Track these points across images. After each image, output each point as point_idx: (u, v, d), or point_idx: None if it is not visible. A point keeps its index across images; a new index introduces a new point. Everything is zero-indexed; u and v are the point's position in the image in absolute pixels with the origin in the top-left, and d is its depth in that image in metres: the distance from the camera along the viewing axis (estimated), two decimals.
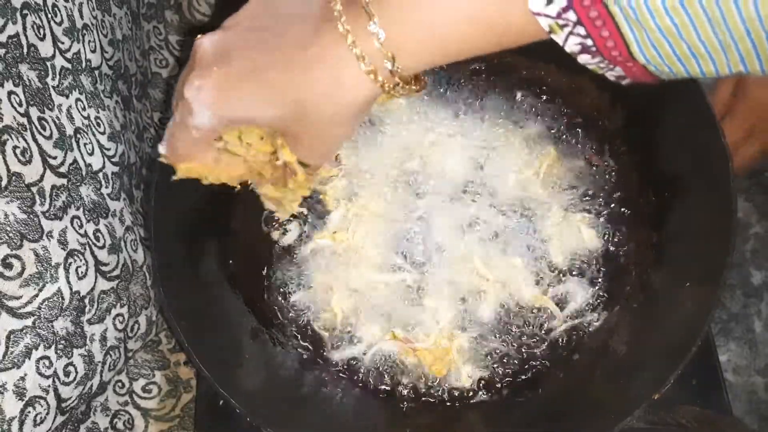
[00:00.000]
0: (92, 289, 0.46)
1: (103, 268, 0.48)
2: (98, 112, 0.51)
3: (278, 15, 0.39)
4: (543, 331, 0.56)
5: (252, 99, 0.38)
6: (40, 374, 0.40)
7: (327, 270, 0.58)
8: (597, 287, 0.57)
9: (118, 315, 0.49)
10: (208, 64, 0.38)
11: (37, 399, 0.40)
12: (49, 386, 0.41)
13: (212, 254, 0.56)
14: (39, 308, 0.41)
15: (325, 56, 0.36)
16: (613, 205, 0.60)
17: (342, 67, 0.36)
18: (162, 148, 0.43)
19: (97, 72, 0.52)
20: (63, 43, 0.46)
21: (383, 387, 0.55)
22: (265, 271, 0.59)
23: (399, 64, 0.35)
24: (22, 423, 0.39)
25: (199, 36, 0.39)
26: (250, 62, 0.37)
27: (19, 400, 0.39)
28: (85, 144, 0.47)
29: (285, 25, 0.38)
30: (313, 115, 0.37)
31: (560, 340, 0.55)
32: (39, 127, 0.42)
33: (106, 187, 0.50)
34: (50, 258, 0.41)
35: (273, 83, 0.37)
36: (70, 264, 0.43)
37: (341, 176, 0.61)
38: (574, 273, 0.58)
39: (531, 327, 0.56)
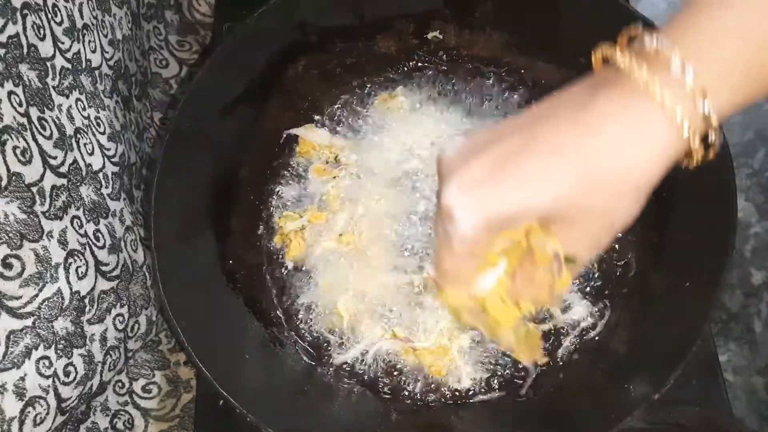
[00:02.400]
0: (92, 289, 0.46)
1: (103, 268, 0.48)
2: (98, 112, 0.51)
3: (527, 113, 0.34)
4: (543, 332, 0.56)
5: (520, 184, 0.32)
6: (40, 374, 0.40)
7: (332, 272, 0.58)
8: (597, 287, 0.57)
9: (118, 315, 0.49)
10: (462, 164, 0.33)
11: (37, 399, 0.40)
12: (49, 386, 0.41)
13: (212, 254, 0.56)
14: (39, 308, 0.41)
15: (616, 112, 0.30)
16: None
17: (639, 121, 0.30)
18: (430, 269, 0.38)
19: (97, 72, 0.52)
20: (63, 43, 0.46)
21: (383, 387, 0.55)
22: (265, 271, 0.59)
23: (713, 104, 0.29)
24: (22, 423, 0.39)
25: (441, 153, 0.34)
26: (512, 144, 0.32)
27: (19, 400, 0.39)
28: (85, 144, 0.47)
29: (542, 110, 0.33)
30: (600, 189, 0.31)
31: (560, 340, 0.55)
32: (39, 127, 0.42)
33: (106, 187, 0.50)
34: (50, 258, 0.41)
35: (549, 153, 0.31)
36: (70, 264, 0.43)
37: (343, 177, 0.61)
38: None
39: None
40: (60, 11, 0.46)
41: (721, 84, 0.30)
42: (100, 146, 0.50)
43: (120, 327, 0.50)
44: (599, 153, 0.31)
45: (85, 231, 0.46)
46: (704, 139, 0.31)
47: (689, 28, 0.30)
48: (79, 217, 0.45)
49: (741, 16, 0.29)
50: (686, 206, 0.54)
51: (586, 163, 0.31)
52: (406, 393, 0.54)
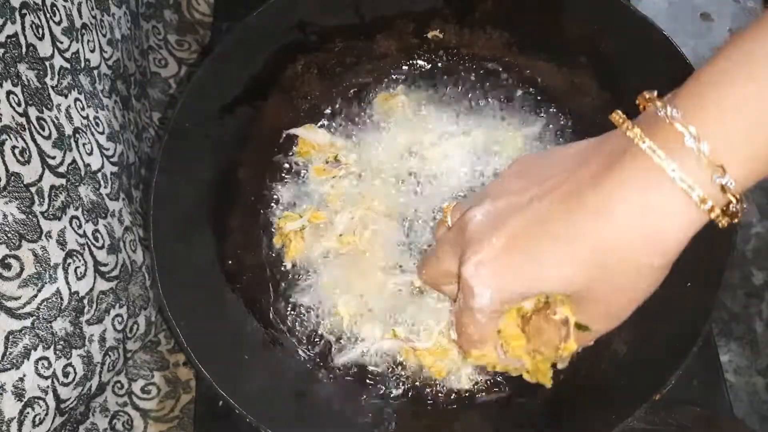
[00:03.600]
0: (91, 289, 0.46)
1: (102, 269, 0.47)
2: (97, 112, 0.51)
3: (550, 167, 0.34)
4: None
5: (533, 268, 0.33)
6: (39, 375, 0.40)
7: (332, 272, 0.58)
8: None
9: (117, 315, 0.49)
10: (481, 238, 0.34)
11: (36, 400, 0.40)
12: (48, 387, 0.41)
13: (212, 254, 0.56)
14: (38, 309, 0.40)
15: (627, 191, 0.30)
16: None
17: (655, 197, 0.29)
18: (453, 334, 0.40)
19: (96, 72, 0.51)
20: (62, 42, 0.46)
21: (383, 387, 0.55)
22: (265, 272, 0.59)
23: (732, 177, 0.29)
24: (21, 424, 0.39)
25: (468, 210, 0.35)
26: (528, 221, 0.33)
27: (18, 400, 0.39)
28: (84, 144, 0.47)
29: (562, 173, 0.33)
30: (616, 272, 0.32)
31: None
32: (38, 127, 0.41)
33: (105, 187, 0.50)
34: (49, 258, 0.41)
35: (562, 239, 0.32)
36: (69, 264, 0.43)
37: (343, 177, 0.61)
38: None
39: None
40: (59, 11, 0.45)
41: (739, 156, 0.29)
42: (99, 146, 0.50)
43: (119, 327, 0.50)
44: (614, 237, 0.31)
45: (84, 231, 0.46)
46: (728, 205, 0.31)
47: (704, 100, 0.29)
48: (77, 218, 0.45)
49: (759, 90, 0.28)
50: None
51: (600, 249, 0.31)
52: (406, 393, 0.54)
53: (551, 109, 0.63)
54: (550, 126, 0.63)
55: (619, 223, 0.30)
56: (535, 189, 0.34)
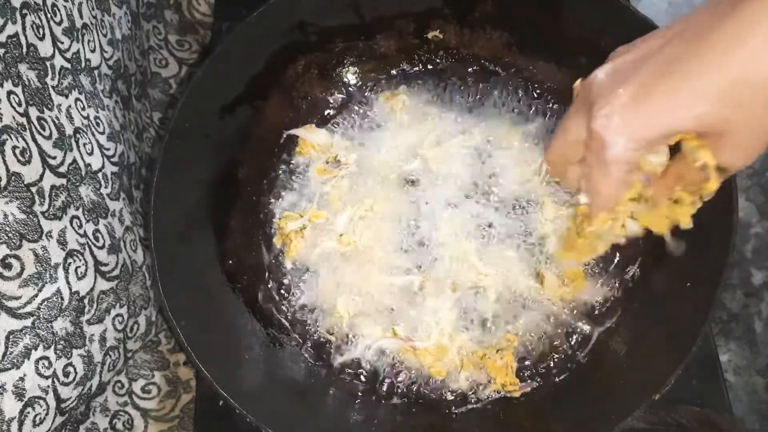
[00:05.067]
0: (91, 289, 0.46)
1: (103, 269, 0.47)
2: (98, 112, 0.51)
3: (665, 30, 0.35)
4: (543, 333, 0.56)
5: (670, 103, 0.33)
6: (40, 375, 0.40)
7: (332, 273, 0.58)
8: (597, 287, 0.57)
9: (117, 315, 0.49)
10: (608, 92, 0.35)
11: (36, 399, 0.40)
12: (48, 387, 0.41)
13: (212, 254, 0.56)
14: (38, 308, 0.41)
15: (758, 20, 0.30)
16: None
17: None
18: (583, 198, 0.40)
19: (96, 72, 0.51)
20: (62, 42, 0.46)
21: (383, 387, 0.55)
22: (265, 272, 0.59)
23: None
24: (21, 423, 0.39)
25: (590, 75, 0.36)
26: (655, 67, 0.33)
27: (19, 400, 0.39)
28: (84, 144, 0.47)
29: (682, 24, 0.34)
30: (752, 99, 0.32)
31: (560, 340, 0.55)
32: (38, 127, 0.41)
33: (106, 187, 0.50)
34: (49, 258, 0.41)
35: (694, 76, 0.32)
36: (69, 264, 0.43)
37: (343, 177, 0.61)
38: None
39: (531, 328, 0.56)
40: (59, 11, 0.46)
41: None
42: (100, 146, 0.50)
43: (119, 327, 0.50)
44: (748, 69, 0.31)
45: (85, 231, 0.46)
46: None
47: None
48: (78, 217, 0.45)
49: None
50: None
51: (734, 82, 0.31)
52: (406, 393, 0.54)
53: (551, 109, 0.63)
54: (551, 126, 0.63)
55: (752, 48, 0.30)
56: (658, 41, 0.35)
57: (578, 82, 0.40)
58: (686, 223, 0.42)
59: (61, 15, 0.46)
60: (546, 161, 0.43)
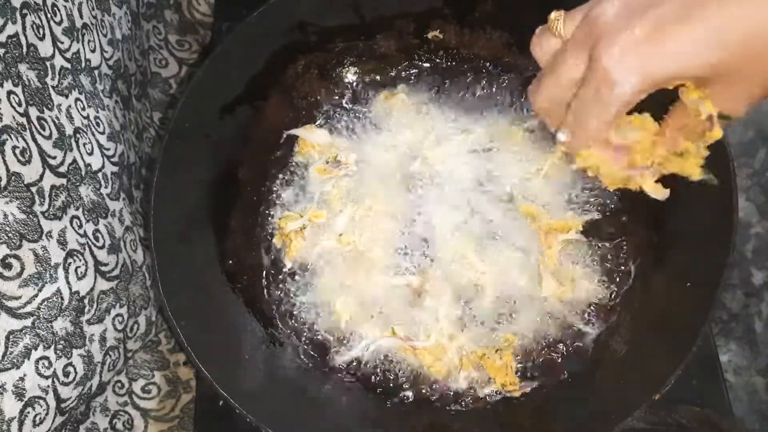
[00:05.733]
0: (91, 289, 0.46)
1: (103, 269, 0.47)
2: (98, 112, 0.51)
3: None
4: (542, 332, 0.56)
5: (687, 48, 0.33)
6: (40, 374, 0.40)
7: (332, 273, 0.58)
8: (597, 287, 0.57)
9: (117, 315, 0.49)
10: (620, 26, 0.34)
11: (36, 399, 0.40)
12: (48, 386, 0.41)
13: (212, 254, 0.56)
14: (38, 308, 0.41)
15: None
16: (613, 205, 0.60)
17: None
18: (563, 136, 0.40)
19: (96, 72, 0.51)
20: (62, 42, 0.46)
21: (383, 387, 0.55)
22: (265, 272, 0.59)
23: None
24: (21, 423, 0.39)
25: (593, 7, 0.35)
26: (673, 7, 0.33)
27: (19, 400, 0.39)
28: (84, 144, 0.47)
29: None
30: (760, 53, 0.32)
31: (559, 340, 0.55)
32: (38, 127, 0.41)
33: (106, 187, 0.50)
34: (49, 258, 0.41)
35: (707, 24, 0.32)
36: (69, 264, 0.43)
37: (343, 177, 0.61)
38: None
39: (530, 328, 0.56)
40: (59, 11, 0.46)
41: None
42: (100, 146, 0.50)
43: (119, 327, 0.50)
44: (761, 18, 0.31)
45: (85, 231, 0.46)
46: None
47: None
48: (78, 217, 0.45)
49: None
50: (686, 206, 0.54)
51: (753, 33, 0.31)
52: (406, 393, 0.54)
53: None
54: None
55: None
56: None
57: (556, 13, 0.39)
58: (697, 174, 0.41)
59: (61, 15, 0.46)
60: (534, 105, 0.42)
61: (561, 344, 0.55)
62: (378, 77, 0.66)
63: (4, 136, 0.38)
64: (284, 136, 0.64)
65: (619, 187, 0.44)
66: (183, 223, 0.55)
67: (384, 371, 0.55)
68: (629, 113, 0.39)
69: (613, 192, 0.60)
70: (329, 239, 0.59)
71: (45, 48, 0.43)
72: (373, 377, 0.55)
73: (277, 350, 0.55)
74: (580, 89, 0.37)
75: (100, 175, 0.49)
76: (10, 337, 0.38)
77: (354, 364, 0.55)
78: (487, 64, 0.65)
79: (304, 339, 0.57)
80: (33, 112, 0.41)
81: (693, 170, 0.41)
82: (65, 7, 0.46)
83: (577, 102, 0.38)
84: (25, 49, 0.41)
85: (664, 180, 0.44)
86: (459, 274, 0.57)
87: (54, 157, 0.43)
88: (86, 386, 0.46)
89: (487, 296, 0.56)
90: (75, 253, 0.44)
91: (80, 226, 0.45)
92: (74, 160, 0.45)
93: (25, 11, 0.41)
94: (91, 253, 0.46)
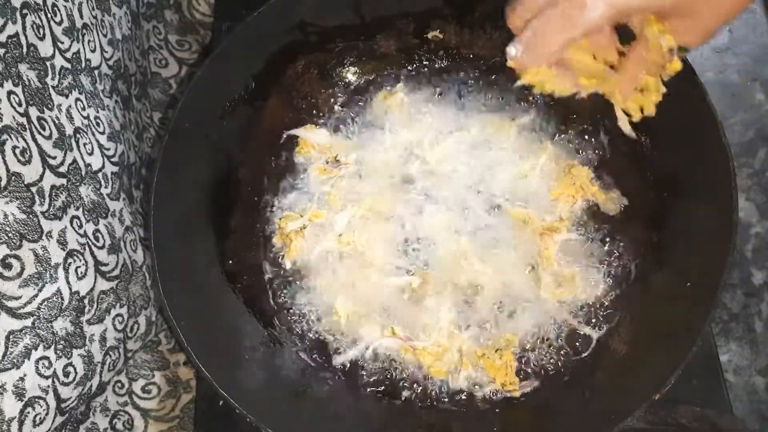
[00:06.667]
0: (92, 289, 0.46)
1: (103, 269, 0.47)
2: (98, 112, 0.51)
3: None
4: (542, 333, 0.56)
5: None
6: (40, 375, 0.40)
7: (331, 273, 0.58)
8: (596, 287, 0.57)
9: (117, 315, 0.49)
10: None
11: (36, 399, 0.40)
12: (48, 386, 0.41)
13: (212, 254, 0.56)
14: (38, 308, 0.41)
15: None
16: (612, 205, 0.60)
17: None
18: (514, 50, 0.42)
19: (96, 72, 0.51)
20: (62, 42, 0.46)
21: (383, 387, 0.55)
22: (265, 272, 0.59)
23: None
24: (21, 423, 0.39)
25: None
26: None
27: (19, 400, 0.39)
28: (84, 144, 0.47)
29: None
30: None
31: (559, 340, 0.55)
32: (38, 127, 0.41)
33: (106, 187, 0.50)
34: (50, 258, 0.41)
35: None
36: (69, 264, 0.43)
37: (343, 177, 0.61)
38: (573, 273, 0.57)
39: (530, 328, 0.56)
40: (59, 11, 0.46)
41: None
42: (100, 146, 0.50)
43: (119, 327, 0.50)
44: None
45: (85, 231, 0.46)
46: None
47: None
48: (78, 217, 0.45)
49: None
50: (686, 206, 0.54)
51: None
52: (405, 393, 0.54)
53: (551, 109, 0.63)
54: (550, 125, 0.63)
55: None
56: None
57: None
58: (651, 111, 0.44)
59: (61, 15, 0.46)
60: (509, 23, 0.44)
61: (561, 344, 0.55)
62: (378, 77, 0.66)
63: (5, 136, 0.38)
64: (284, 136, 0.64)
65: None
66: (183, 223, 0.55)
67: (384, 371, 0.55)
68: None
69: (612, 192, 0.60)
70: (329, 239, 0.59)
71: (45, 48, 0.43)
72: (373, 377, 0.55)
73: (277, 350, 0.55)
74: (548, 9, 0.40)
75: (100, 175, 0.49)
76: (10, 337, 0.38)
77: (354, 364, 0.55)
78: (487, 64, 0.65)
79: (304, 339, 0.57)
80: (33, 112, 0.41)
81: (650, 107, 0.44)
82: (65, 7, 0.46)
83: (541, 19, 0.40)
84: (25, 49, 0.41)
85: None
86: (458, 274, 0.57)
87: (54, 157, 0.43)
88: (86, 386, 0.46)
89: (486, 296, 0.56)
90: (75, 253, 0.44)
91: (80, 226, 0.45)
92: (74, 160, 0.45)
93: (25, 11, 0.41)
94: (92, 253, 0.46)
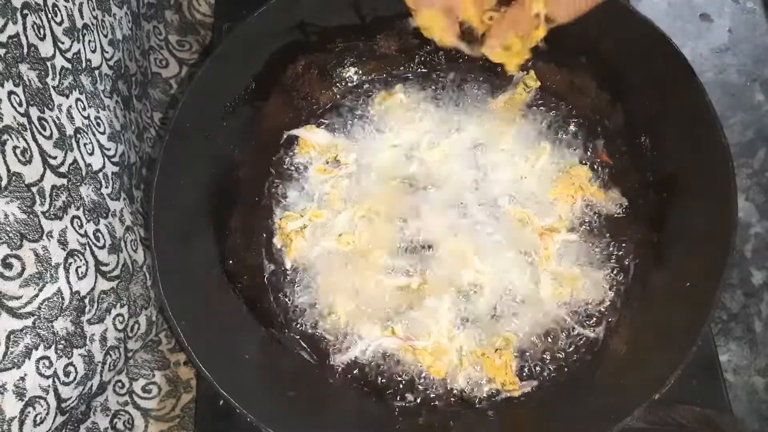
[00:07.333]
0: (92, 289, 0.46)
1: (103, 268, 0.48)
2: (98, 112, 0.51)
3: None
4: (542, 333, 0.56)
5: None
6: (40, 374, 0.40)
7: (332, 272, 0.58)
8: (596, 287, 0.57)
9: (118, 315, 0.49)
10: None
11: (37, 399, 0.40)
12: (49, 386, 0.41)
13: (212, 254, 0.56)
14: (39, 308, 0.41)
15: None
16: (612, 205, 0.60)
17: None
18: None
19: (97, 72, 0.52)
20: (63, 43, 0.46)
21: (383, 387, 0.55)
22: (265, 272, 0.59)
23: None
24: (22, 423, 0.39)
25: None
26: None
27: (19, 400, 0.39)
28: (85, 144, 0.47)
29: None
30: None
31: (559, 340, 0.55)
32: (39, 127, 0.42)
33: (106, 187, 0.50)
34: (50, 258, 0.41)
35: None
36: (70, 264, 0.43)
37: (343, 177, 0.61)
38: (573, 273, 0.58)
39: (530, 328, 0.56)
40: (60, 11, 0.46)
41: None
42: (100, 146, 0.50)
43: (120, 327, 0.50)
44: None
45: (85, 231, 0.46)
46: None
47: None
48: (79, 217, 0.45)
49: None
50: (686, 206, 0.54)
51: None
52: (405, 393, 0.54)
53: (551, 109, 0.63)
54: (550, 126, 0.63)
55: None
56: None
57: None
58: (513, 69, 0.48)
59: (61, 15, 0.46)
60: None
61: (561, 344, 0.55)
62: (378, 77, 0.66)
63: (5, 137, 0.38)
64: (284, 136, 0.64)
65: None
66: (183, 223, 0.55)
67: (384, 371, 0.55)
68: None
69: (612, 192, 0.60)
70: (329, 239, 0.59)
71: (46, 48, 0.43)
72: (372, 377, 0.55)
73: (276, 350, 0.55)
74: None
75: (100, 175, 0.49)
76: (11, 336, 0.38)
77: (354, 364, 0.55)
78: (487, 64, 0.65)
79: (304, 339, 0.57)
80: (34, 113, 0.41)
81: (512, 66, 0.47)
82: (66, 7, 0.46)
83: None
84: (25, 50, 0.41)
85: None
86: (458, 274, 0.57)
87: (54, 157, 0.43)
88: (87, 386, 0.46)
89: (486, 296, 0.56)
90: (76, 253, 0.44)
91: (81, 226, 0.45)
92: (75, 160, 0.45)
93: (25, 11, 0.41)
94: (92, 253, 0.46)
